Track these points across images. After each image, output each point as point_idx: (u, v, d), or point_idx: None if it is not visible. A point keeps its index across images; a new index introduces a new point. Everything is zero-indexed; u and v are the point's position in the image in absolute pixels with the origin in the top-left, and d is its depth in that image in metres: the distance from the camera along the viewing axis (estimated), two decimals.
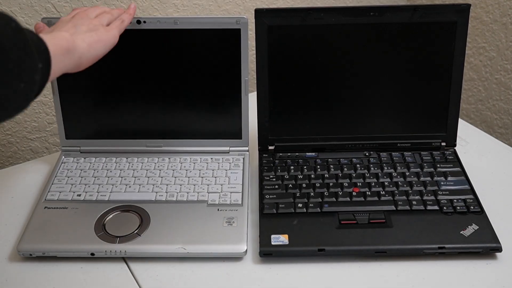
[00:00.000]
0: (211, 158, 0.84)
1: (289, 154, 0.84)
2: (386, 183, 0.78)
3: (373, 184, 0.78)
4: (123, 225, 0.72)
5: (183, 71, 0.80)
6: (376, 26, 0.78)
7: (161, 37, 0.78)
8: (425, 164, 0.81)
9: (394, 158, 0.83)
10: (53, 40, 0.56)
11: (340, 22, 0.78)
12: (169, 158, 0.84)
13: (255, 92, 0.82)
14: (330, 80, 0.81)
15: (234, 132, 0.84)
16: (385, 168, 0.81)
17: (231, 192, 0.77)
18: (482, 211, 0.74)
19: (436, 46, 0.79)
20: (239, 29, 0.77)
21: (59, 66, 0.56)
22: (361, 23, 0.78)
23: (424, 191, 0.77)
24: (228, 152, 0.84)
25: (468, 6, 0.77)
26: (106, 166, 0.82)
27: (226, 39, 0.78)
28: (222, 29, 0.77)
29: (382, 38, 0.79)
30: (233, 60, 0.79)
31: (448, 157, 0.83)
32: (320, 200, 0.75)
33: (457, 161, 0.82)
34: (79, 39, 0.61)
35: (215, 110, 0.82)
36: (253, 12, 0.77)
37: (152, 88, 0.81)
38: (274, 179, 0.79)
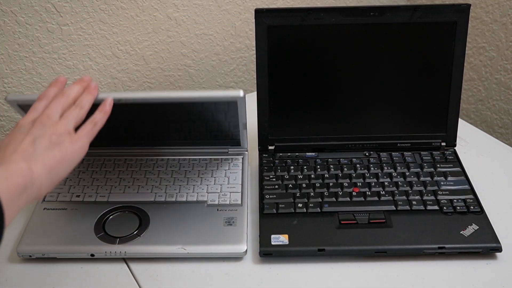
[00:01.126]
0: (210, 159, 0.84)
1: (289, 154, 0.83)
2: (386, 183, 0.78)
3: (373, 184, 0.78)
4: (122, 226, 0.72)
5: (182, 126, 0.79)
6: (376, 26, 0.78)
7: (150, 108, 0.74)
8: (425, 164, 0.81)
9: (394, 158, 0.82)
10: (6, 182, 0.48)
11: (340, 22, 0.78)
12: (168, 159, 0.84)
13: (255, 92, 0.82)
14: (330, 80, 0.81)
15: (233, 144, 0.84)
16: (385, 168, 0.81)
17: (230, 192, 0.77)
18: (482, 211, 0.74)
19: (436, 46, 0.79)
20: (236, 101, 0.71)
21: (15, 207, 0.49)
22: (361, 23, 0.78)
23: (424, 191, 0.77)
24: (227, 152, 0.84)
25: (468, 6, 0.77)
26: (105, 167, 0.82)
27: (223, 109, 0.74)
28: (217, 102, 0.72)
29: (382, 38, 0.79)
30: (231, 121, 0.76)
31: (448, 157, 0.83)
32: (320, 200, 0.75)
33: (457, 161, 0.82)
34: (38, 165, 0.52)
35: (214, 140, 0.83)
36: (253, 12, 0.77)
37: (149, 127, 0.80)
38: (274, 179, 0.79)
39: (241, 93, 0.68)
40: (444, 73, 0.81)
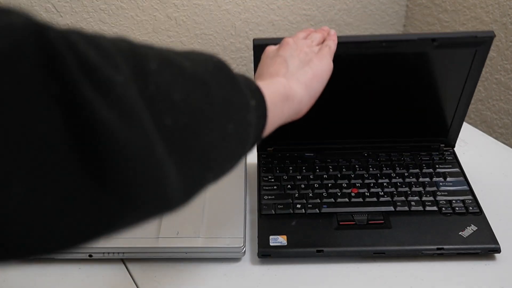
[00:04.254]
0: None
1: (287, 154, 0.83)
2: (385, 184, 0.78)
3: (372, 185, 0.78)
4: None
5: None
6: (389, 55, 0.73)
7: None
8: (424, 165, 0.81)
9: (393, 159, 0.82)
10: (268, 89, 0.48)
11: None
12: None
13: None
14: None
15: None
16: (384, 169, 0.80)
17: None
18: (481, 212, 0.74)
19: (450, 72, 0.75)
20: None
21: (278, 112, 0.49)
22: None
23: (423, 192, 0.76)
24: None
25: (491, 36, 0.70)
26: None
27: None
28: None
29: (392, 61, 0.75)
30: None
31: (447, 157, 0.83)
32: (319, 201, 0.75)
33: (456, 162, 0.82)
34: (294, 82, 0.54)
35: None
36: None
37: None
38: (272, 180, 0.79)
39: None
40: (454, 93, 0.77)
